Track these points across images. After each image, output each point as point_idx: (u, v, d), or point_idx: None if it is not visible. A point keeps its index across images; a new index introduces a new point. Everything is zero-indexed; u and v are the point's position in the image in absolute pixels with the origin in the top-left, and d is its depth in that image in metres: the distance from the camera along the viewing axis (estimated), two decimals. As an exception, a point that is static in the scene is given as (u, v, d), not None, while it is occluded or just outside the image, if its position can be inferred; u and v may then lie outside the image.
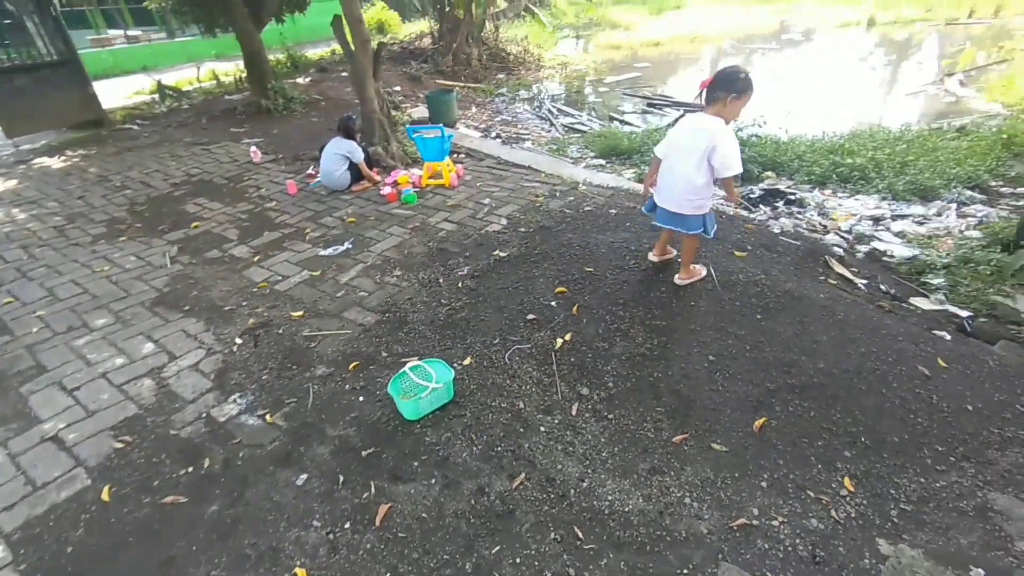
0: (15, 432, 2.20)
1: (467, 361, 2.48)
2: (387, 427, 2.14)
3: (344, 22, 5.36)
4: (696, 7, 23.00)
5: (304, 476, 1.94)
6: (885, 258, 3.55)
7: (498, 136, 7.48)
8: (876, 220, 4.15)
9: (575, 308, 2.73)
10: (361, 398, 2.31)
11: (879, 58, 13.43)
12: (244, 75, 9.55)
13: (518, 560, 1.62)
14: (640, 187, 4.58)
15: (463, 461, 1.97)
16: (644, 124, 8.30)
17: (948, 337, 2.61)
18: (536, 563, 1.61)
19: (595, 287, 2.86)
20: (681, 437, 2.05)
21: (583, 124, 8.54)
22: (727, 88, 2.29)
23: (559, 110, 9.43)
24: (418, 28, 14.31)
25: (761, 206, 4.59)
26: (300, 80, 9.78)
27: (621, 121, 8.65)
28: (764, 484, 1.86)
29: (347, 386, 2.39)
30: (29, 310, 3.12)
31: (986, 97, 8.10)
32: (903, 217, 4.17)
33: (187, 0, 8.45)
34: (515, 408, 2.20)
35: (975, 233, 3.73)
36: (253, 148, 5.95)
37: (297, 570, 1.61)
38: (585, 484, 1.86)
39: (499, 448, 2.02)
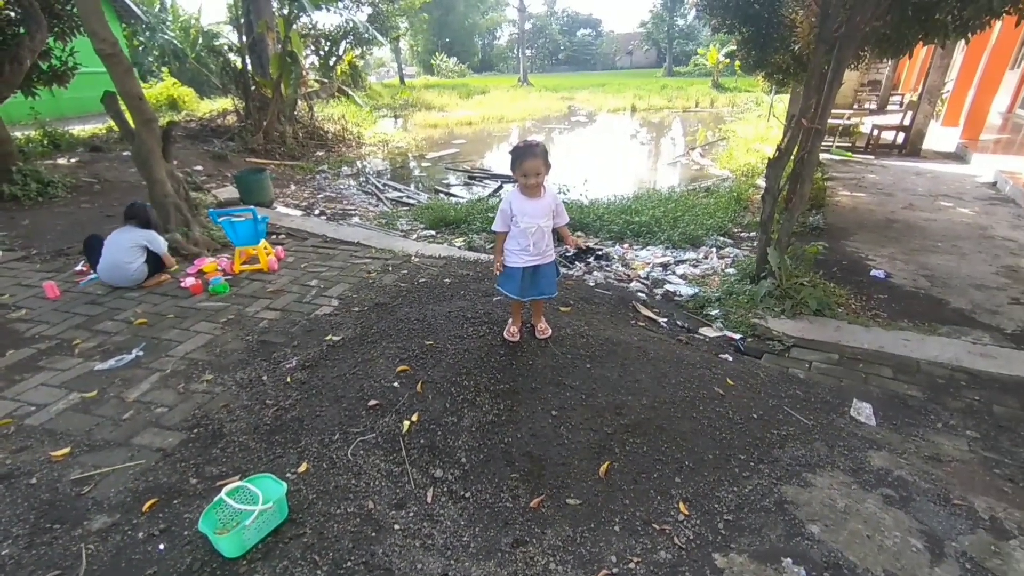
0: None
1: (302, 468, 2.18)
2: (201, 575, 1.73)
3: (120, 101, 4.74)
4: (497, 93, 26.17)
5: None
6: (676, 298, 4.25)
7: (322, 213, 7.21)
8: (664, 266, 4.98)
9: (419, 385, 2.63)
10: (162, 546, 1.83)
11: (644, 135, 16.81)
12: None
13: None
14: (471, 255, 4.79)
15: (305, 592, 1.67)
16: (469, 195, 8.86)
17: (730, 358, 3.18)
18: None
19: (437, 360, 2.82)
20: (538, 500, 2.05)
21: (410, 197, 8.76)
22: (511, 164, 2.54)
23: (385, 184, 9.55)
24: (219, 105, 13.40)
25: (576, 263, 5.16)
26: (63, 161, 8.22)
27: (447, 193, 9.11)
28: (617, 528, 1.95)
29: (140, 534, 1.88)
30: None
31: (718, 165, 10.59)
32: (683, 262, 5.09)
33: None
34: (364, 510, 1.98)
35: (731, 270, 4.72)
36: (-10, 245, 4.70)
37: None
38: (449, 578, 1.73)
39: (348, 563, 1.77)
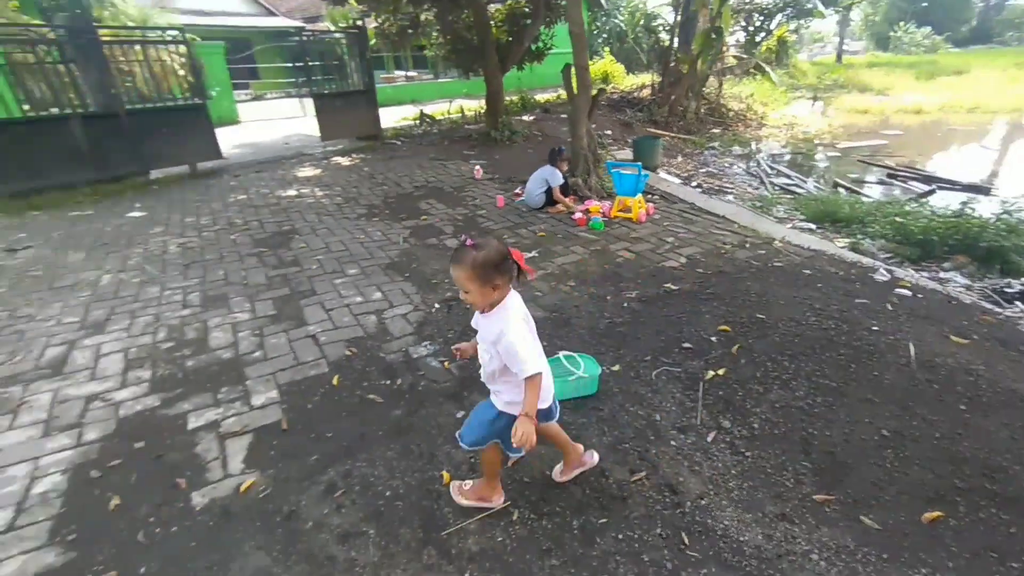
0: (292, 327, 3.14)
1: (616, 368, 2.67)
2: (533, 399, 2.46)
3: (572, 70, 6.12)
4: (982, 73, 19.24)
5: (462, 413, 2.37)
6: None
7: (699, 185, 7.47)
8: None
9: (735, 348, 2.70)
10: (518, 371, 2.68)
11: None
12: (482, 110, 11.33)
13: (620, 537, 1.75)
14: (851, 255, 4.18)
15: (592, 446, 2.16)
16: (880, 195, 7.35)
17: None
18: (637, 545, 1.72)
19: (763, 333, 2.78)
20: (825, 497, 1.90)
21: (798, 186, 7.95)
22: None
23: (774, 169, 8.93)
24: (640, 80, 15.04)
25: (1018, 303, 3.77)
26: (525, 117, 11.19)
27: (851, 189, 7.79)
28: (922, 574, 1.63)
29: (509, 360, 2.78)
30: (312, 254, 4.33)
31: None
32: None
33: (455, 52, 10.49)
34: (651, 418, 2.31)
35: None
36: (477, 167, 7.09)
37: (444, 473, 2.01)
38: (704, 502, 1.89)
39: (626, 445, 2.16)
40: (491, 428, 1.71)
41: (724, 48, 12.08)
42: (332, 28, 15.05)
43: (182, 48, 7.40)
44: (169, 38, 7.52)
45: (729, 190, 7.42)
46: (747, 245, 4.31)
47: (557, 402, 1.82)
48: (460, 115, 12.30)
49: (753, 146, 10.73)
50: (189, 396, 2.55)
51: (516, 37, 9.80)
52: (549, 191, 5.32)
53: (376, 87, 9.71)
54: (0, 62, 6.14)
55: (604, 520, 1.82)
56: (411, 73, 20.57)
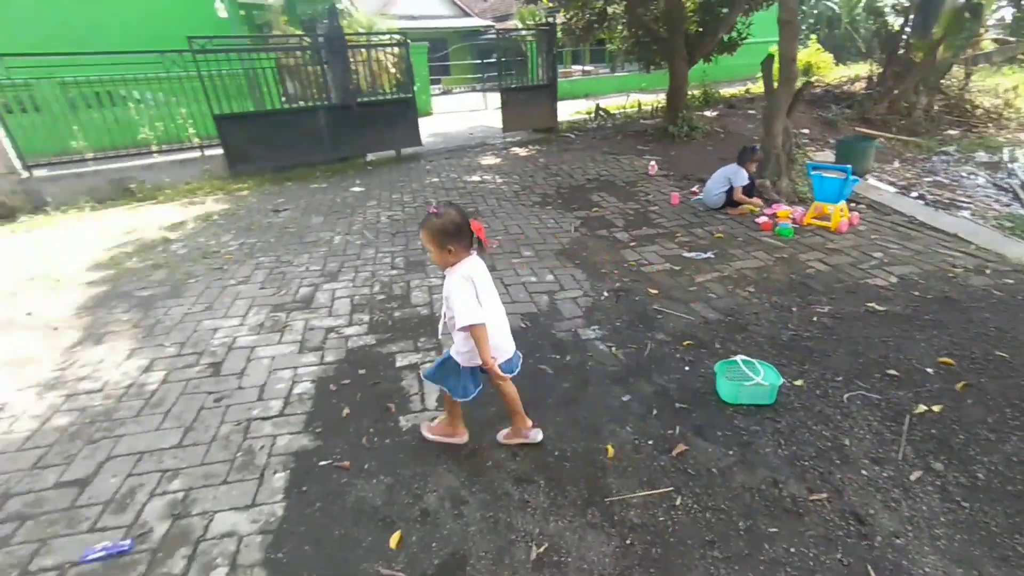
0: (475, 296, 3.57)
1: (798, 382, 2.48)
2: (702, 396, 2.43)
3: (775, 60, 5.61)
4: None
5: (628, 396, 2.45)
6: None
7: (921, 196, 6.30)
8: None
9: (960, 385, 2.30)
10: (687, 368, 2.66)
11: None
12: (661, 105, 10.98)
13: (792, 550, 1.67)
14: None
15: (765, 455, 2.07)
16: None
17: None
18: (811, 563, 1.63)
19: (1002, 374, 2.32)
20: (1076, 578, 1.56)
21: (1072, 204, 6.19)
22: None
23: (1035, 181, 7.07)
24: (851, 72, 13.03)
25: None
26: (707, 113, 10.54)
27: None
28: None
29: (677, 355, 2.77)
30: (492, 234, 4.78)
31: None
32: None
33: (639, 44, 10.31)
34: (837, 442, 2.12)
35: None
36: (652, 163, 6.96)
37: (608, 446, 2.13)
38: (900, 541, 1.69)
39: (805, 463, 2.02)
40: (442, 368, 2.03)
41: (982, 30, 9.80)
42: (520, 26, 15.96)
43: (399, 50, 8.60)
44: (393, 41, 8.79)
45: (964, 204, 6.11)
46: (987, 271, 3.56)
47: (519, 357, 2.09)
48: (636, 109, 12.10)
49: (1007, 153, 8.59)
50: (396, 340, 3.07)
51: (708, 28, 9.27)
52: (730, 191, 5.01)
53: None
54: (271, 65, 7.86)
55: (774, 530, 1.75)
56: (588, 67, 20.77)
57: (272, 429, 2.37)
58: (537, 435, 2.17)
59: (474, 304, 1.81)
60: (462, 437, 2.21)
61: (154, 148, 7.55)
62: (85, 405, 2.59)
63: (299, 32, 11.34)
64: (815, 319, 3.04)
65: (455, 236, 1.80)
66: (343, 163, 8.25)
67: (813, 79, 12.59)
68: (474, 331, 1.80)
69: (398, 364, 2.83)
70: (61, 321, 3.49)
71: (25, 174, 6.43)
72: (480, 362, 1.90)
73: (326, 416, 2.44)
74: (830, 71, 14.19)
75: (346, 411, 2.46)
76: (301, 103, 8.07)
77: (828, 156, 7.47)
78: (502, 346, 1.98)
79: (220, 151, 7.46)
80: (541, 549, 1.71)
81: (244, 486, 2.04)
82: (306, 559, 1.73)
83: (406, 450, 2.20)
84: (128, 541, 1.81)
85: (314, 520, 1.87)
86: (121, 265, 4.44)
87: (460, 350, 1.95)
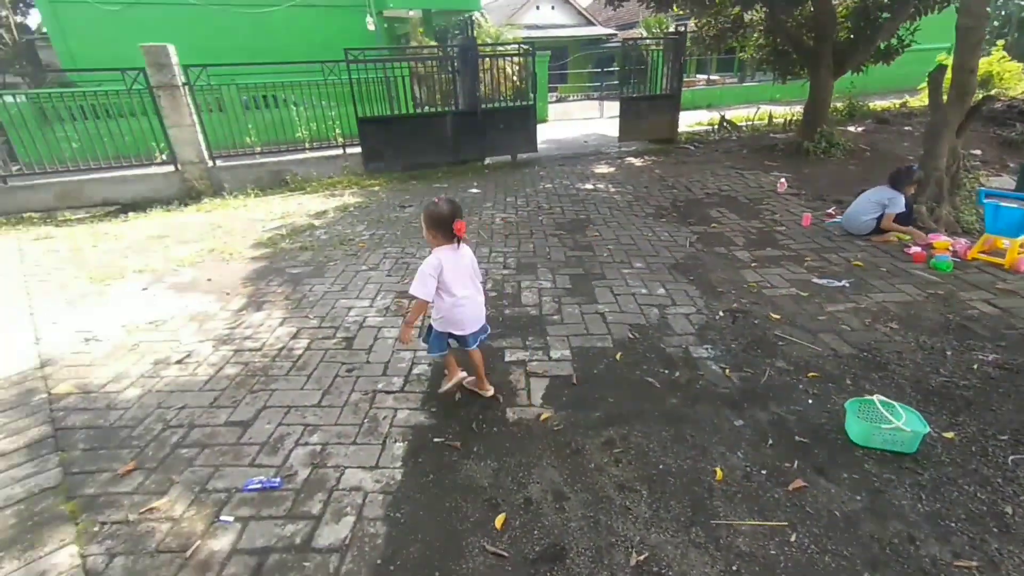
0: (584, 302, 3.61)
1: (949, 434, 2.20)
2: (827, 433, 2.25)
3: (948, 71, 4.95)
4: None
5: (740, 422, 2.35)
6: None
7: None
8: None
9: None
10: (810, 401, 2.47)
11: None
12: (795, 117, 10.14)
13: (930, 617, 1.50)
14: None
15: (900, 507, 1.87)
16: None
17: None
18: (954, 636, 1.45)
19: None
20: None
21: None
22: None
23: None
24: (1050, 84, 10.99)
25: None
26: (851, 128, 9.54)
27: None
28: None
29: (800, 386, 2.59)
30: (604, 243, 4.79)
31: None
32: None
33: (776, 54, 9.59)
34: (996, 508, 1.85)
35: None
36: (782, 180, 6.48)
37: (717, 469, 2.06)
38: (1074, 637, 1.45)
39: (953, 524, 1.79)
40: (427, 329, 2.50)
41: None
42: (644, 35, 15.67)
43: (524, 59, 8.91)
44: (520, 51, 9.14)
45: None
46: None
47: (486, 331, 2.54)
48: (765, 122, 11.32)
49: None
50: (507, 336, 3.22)
51: (862, 35, 8.38)
52: (880, 217, 4.50)
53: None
54: (406, 73, 8.57)
55: (908, 590, 1.58)
56: (713, 77, 19.76)
57: (393, 403, 2.62)
58: (489, 391, 2.60)
59: (427, 281, 2.24)
60: (457, 376, 2.62)
61: (306, 145, 8.61)
62: (248, 360, 3.07)
63: (432, 43, 12.23)
64: (976, 367, 2.65)
65: (437, 226, 2.26)
66: (463, 165, 8.74)
67: (994, 91, 10.83)
68: (415, 301, 2.31)
69: (507, 359, 2.97)
70: (231, 287, 4.15)
71: (211, 163, 7.70)
72: (452, 329, 2.38)
73: (440, 398, 2.65)
74: (1017, 83, 12.10)
75: (458, 395, 2.65)
76: (427, 108, 8.71)
77: (1005, 181, 6.40)
78: (464, 321, 2.39)
79: (358, 150, 8.30)
80: (641, 557, 1.72)
81: (370, 449, 2.29)
82: (420, 523, 1.91)
83: (512, 440, 2.32)
84: (278, 479, 2.13)
85: (428, 489, 2.06)
86: (277, 245, 5.15)
87: (434, 316, 2.42)
